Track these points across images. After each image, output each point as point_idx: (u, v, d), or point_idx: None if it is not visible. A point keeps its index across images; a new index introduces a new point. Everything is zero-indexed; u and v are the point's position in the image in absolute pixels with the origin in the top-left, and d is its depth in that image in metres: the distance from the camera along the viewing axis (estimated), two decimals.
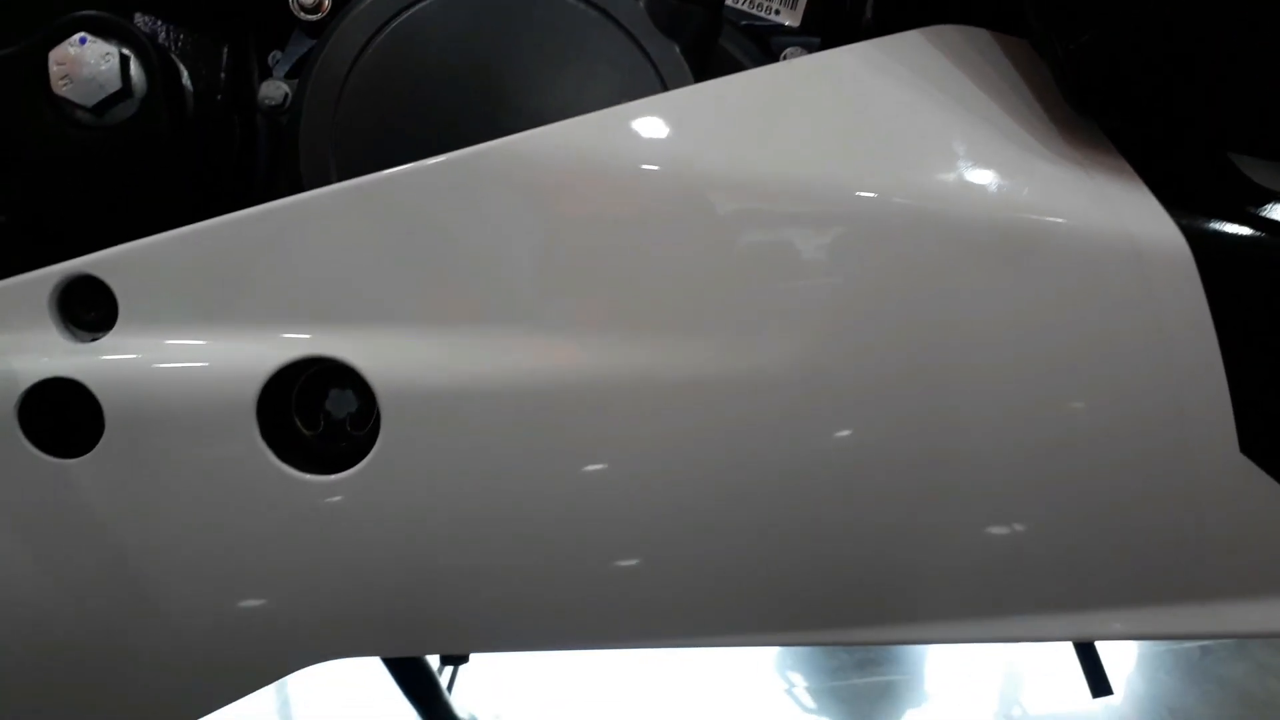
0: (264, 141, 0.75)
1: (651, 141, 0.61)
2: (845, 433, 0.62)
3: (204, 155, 0.70)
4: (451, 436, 0.61)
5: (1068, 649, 0.85)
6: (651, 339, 0.60)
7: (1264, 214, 0.63)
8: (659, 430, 0.61)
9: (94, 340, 0.61)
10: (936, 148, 0.61)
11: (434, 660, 1.57)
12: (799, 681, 1.49)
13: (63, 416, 0.61)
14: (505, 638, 0.66)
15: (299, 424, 0.64)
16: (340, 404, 0.64)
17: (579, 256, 0.61)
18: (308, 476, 0.62)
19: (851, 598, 0.67)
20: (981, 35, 0.66)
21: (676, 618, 0.65)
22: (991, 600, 0.66)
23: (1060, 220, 0.60)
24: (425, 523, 0.63)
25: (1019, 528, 0.64)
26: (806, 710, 1.46)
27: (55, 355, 0.60)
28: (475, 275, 0.61)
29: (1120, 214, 0.60)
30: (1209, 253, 0.59)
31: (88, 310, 0.62)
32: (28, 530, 0.61)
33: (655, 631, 0.66)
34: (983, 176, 0.61)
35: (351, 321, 0.61)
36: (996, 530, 0.64)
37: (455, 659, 0.81)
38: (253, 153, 0.75)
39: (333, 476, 0.62)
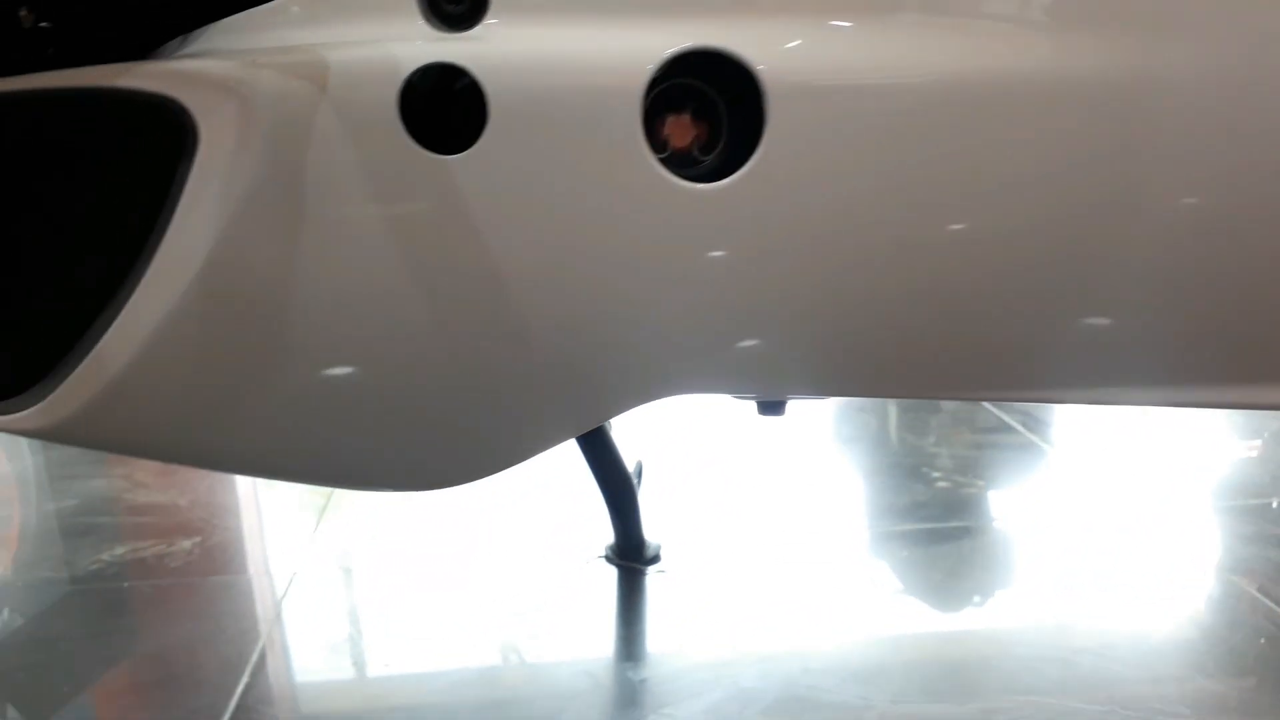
0: None
1: None
2: None
3: None
4: (847, 140, 0.58)
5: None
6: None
7: None
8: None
9: (465, 31, 0.57)
10: None
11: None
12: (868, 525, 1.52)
13: (441, 111, 0.57)
14: (891, 381, 0.64)
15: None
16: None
17: None
18: (690, 184, 0.59)
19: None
20: None
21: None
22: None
23: None
24: (808, 241, 0.60)
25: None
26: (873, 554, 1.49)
27: (436, 42, 0.56)
28: None
29: None
30: None
31: (453, 2, 0.58)
32: (402, 231, 0.58)
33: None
34: None
35: (741, 12, 0.57)
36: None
37: (773, 407, 0.79)
38: None
39: (713, 185, 0.59)
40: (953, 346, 0.62)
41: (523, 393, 0.63)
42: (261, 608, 1.38)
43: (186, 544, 1.57)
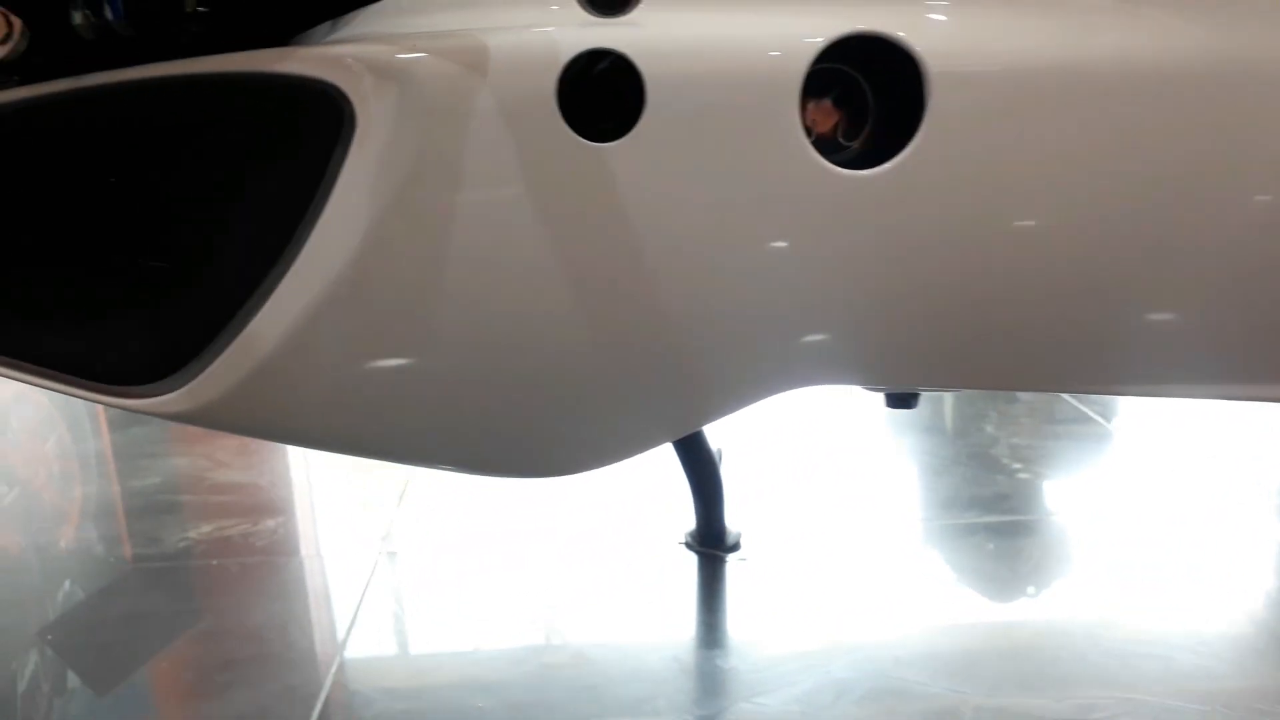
0: None
1: None
2: None
3: None
4: (1007, 125, 0.57)
5: None
6: None
7: None
8: None
9: (620, 16, 0.56)
10: None
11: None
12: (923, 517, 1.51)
13: (593, 100, 0.56)
14: (1051, 375, 0.62)
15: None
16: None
17: None
18: (844, 171, 0.58)
19: None
20: None
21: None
22: None
23: None
24: (963, 229, 0.59)
25: None
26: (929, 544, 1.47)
27: (594, 27, 0.55)
28: None
29: None
30: None
31: None
32: (553, 218, 0.57)
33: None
34: None
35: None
36: None
37: (904, 400, 0.79)
38: None
39: (869, 171, 0.58)
40: (1109, 339, 0.60)
41: (662, 380, 0.63)
42: (349, 586, 1.40)
43: (270, 523, 1.60)
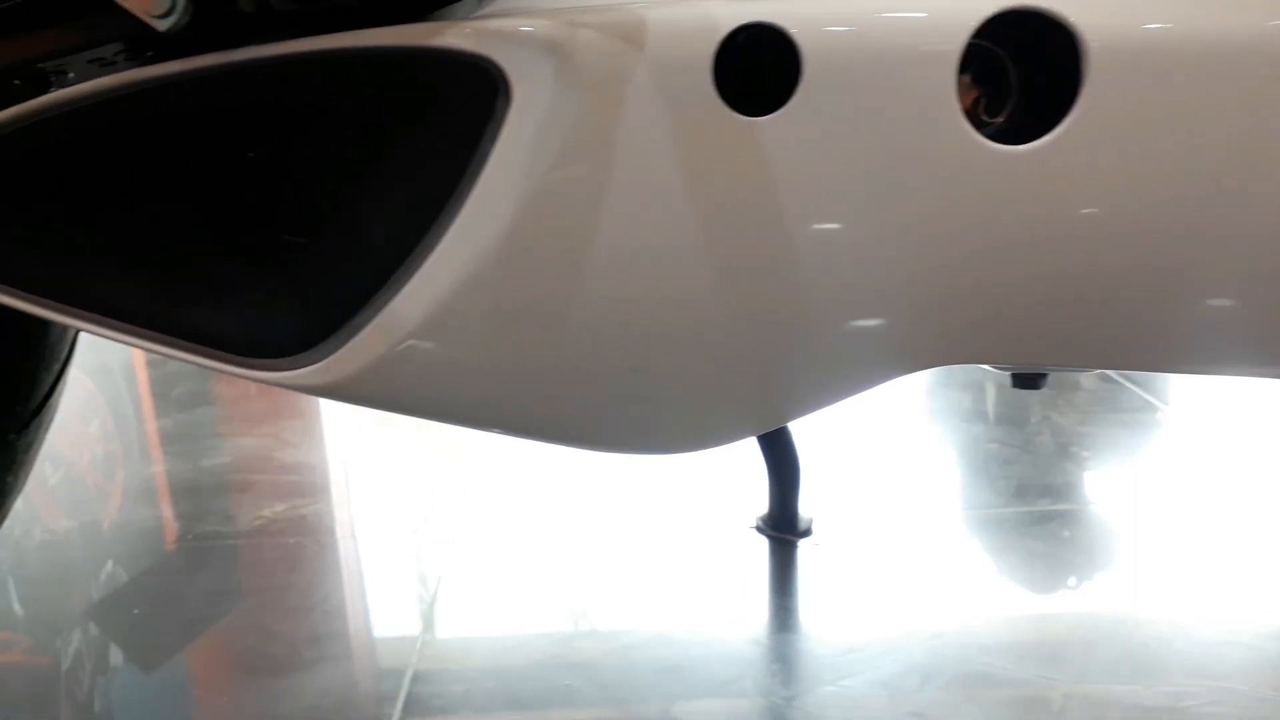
0: None
1: None
2: None
3: None
4: (1169, 102, 0.56)
5: None
6: None
7: None
8: None
9: None
10: None
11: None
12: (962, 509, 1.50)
13: (745, 73, 0.56)
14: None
15: None
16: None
17: None
18: (1000, 147, 0.57)
19: None
20: None
21: None
22: None
23: None
24: (1119, 205, 0.58)
25: None
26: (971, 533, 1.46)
27: (746, 1, 0.55)
28: None
29: None
30: None
31: None
32: (705, 193, 0.57)
33: None
34: None
35: None
36: None
37: (1031, 380, 0.78)
38: None
39: (1023, 148, 0.57)
40: (1269, 323, 0.59)
41: (801, 357, 0.63)
42: (427, 565, 1.41)
43: (342, 502, 1.61)
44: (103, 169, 0.63)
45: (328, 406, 2.01)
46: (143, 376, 2.32)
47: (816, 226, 0.58)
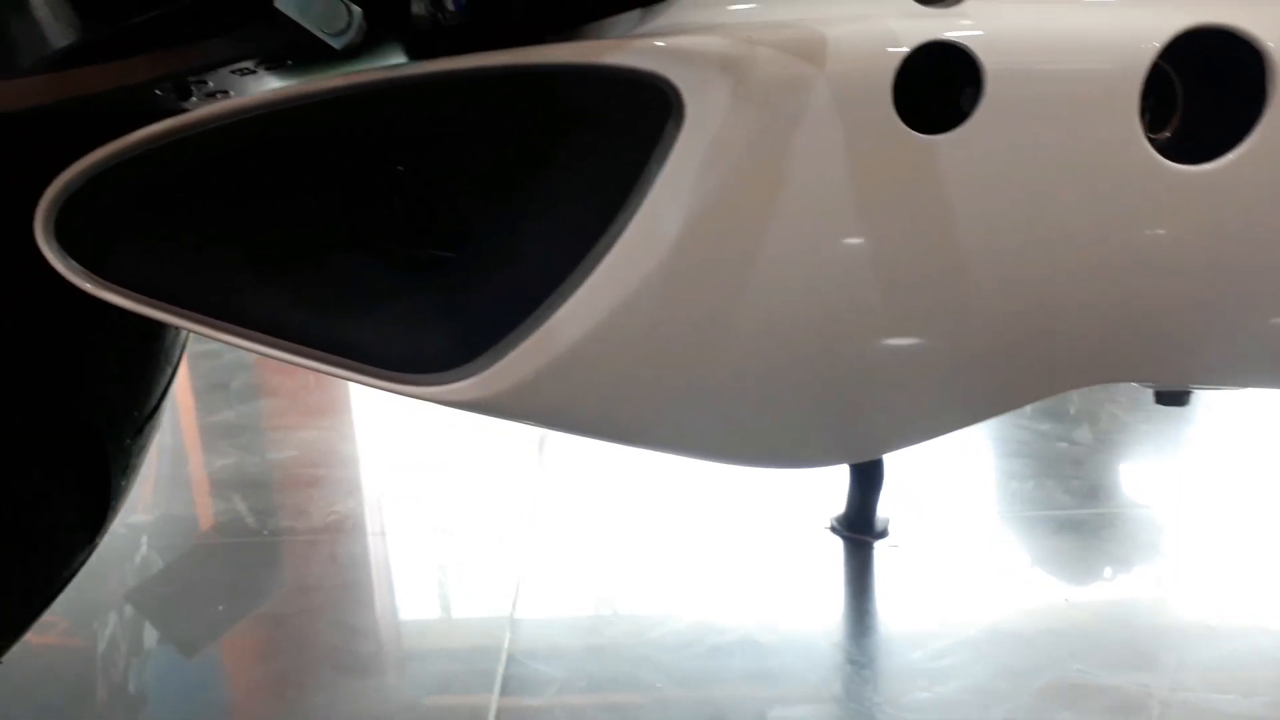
0: None
1: None
2: None
3: None
4: None
5: None
6: None
7: None
8: None
9: (950, 6, 0.55)
10: None
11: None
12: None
13: (919, 90, 0.55)
14: None
15: None
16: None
17: None
18: (1179, 166, 0.56)
19: None
20: None
21: None
22: None
23: None
24: None
25: None
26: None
27: (928, 19, 0.54)
28: None
29: None
30: None
31: None
32: (879, 212, 0.57)
33: None
34: None
35: None
36: None
37: (1176, 397, 0.77)
38: None
39: (1203, 167, 0.56)
40: None
41: (956, 375, 0.62)
42: (506, 558, 1.41)
43: (412, 496, 1.62)
44: (256, 182, 0.63)
45: (383, 401, 2.01)
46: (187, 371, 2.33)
47: (992, 244, 0.57)
